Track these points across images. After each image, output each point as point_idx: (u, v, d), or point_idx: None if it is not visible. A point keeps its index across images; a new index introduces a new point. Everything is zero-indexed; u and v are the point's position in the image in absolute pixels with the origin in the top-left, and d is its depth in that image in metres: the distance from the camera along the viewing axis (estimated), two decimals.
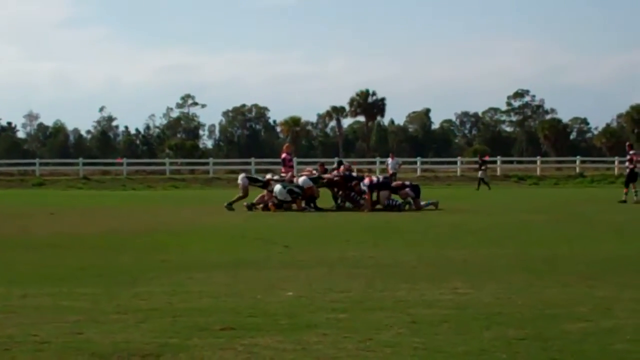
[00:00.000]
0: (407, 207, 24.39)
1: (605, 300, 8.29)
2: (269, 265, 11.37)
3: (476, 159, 69.75)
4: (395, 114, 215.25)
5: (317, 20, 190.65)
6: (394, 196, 24.78)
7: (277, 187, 24.25)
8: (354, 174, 26.26)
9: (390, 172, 43.72)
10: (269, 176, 25.76)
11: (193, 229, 18.02)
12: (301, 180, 24.81)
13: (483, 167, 44.47)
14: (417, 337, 6.50)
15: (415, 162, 59.08)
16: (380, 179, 25.52)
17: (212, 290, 8.98)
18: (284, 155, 27.63)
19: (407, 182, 26.20)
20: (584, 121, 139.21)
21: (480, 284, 9.30)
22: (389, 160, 48.24)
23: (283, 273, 10.45)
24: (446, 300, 8.25)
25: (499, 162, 57.68)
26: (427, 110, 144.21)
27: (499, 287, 9.12)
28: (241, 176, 25.75)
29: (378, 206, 24.41)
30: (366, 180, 24.77)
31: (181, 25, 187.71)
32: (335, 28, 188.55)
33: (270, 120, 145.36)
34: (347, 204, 25.16)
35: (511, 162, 69.26)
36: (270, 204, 24.28)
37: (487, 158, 49.84)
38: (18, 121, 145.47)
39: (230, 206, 24.17)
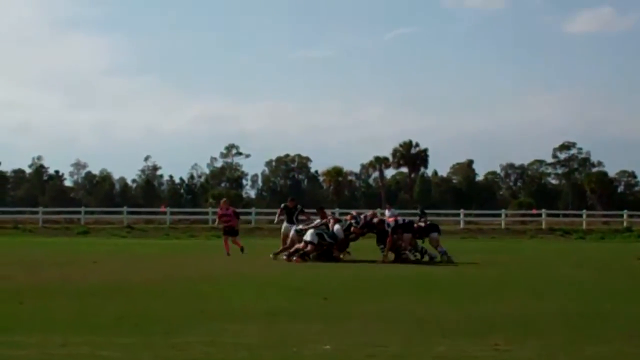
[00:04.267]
0: (438, 258, 23.94)
1: None
2: (306, 317, 11.30)
3: (522, 211, 69.45)
4: (439, 165, 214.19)
5: (352, 71, 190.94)
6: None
7: (310, 231, 24.18)
8: (375, 220, 25.48)
9: None
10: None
11: (233, 278, 18.01)
12: (336, 228, 24.60)
13: (423, 219, 42.12)
14: None
15: (459, 214, 58.62)
16: (406, 220, 24.95)
17: (249, 342, 8.94)
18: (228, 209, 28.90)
19: (427, 223, 25.86)
20: (632, 174, 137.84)
21: (521, 340, 9.15)
22: (386, 211, 44.33)
23: (320, 325, 10.37)
24: (487, 357, 8.12)
25: (544, 215, 57.06)
26: (471, 162, 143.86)
27: (540, 343, 8.96)
28: (293, 227, 25.52)
29: (403, 255, 24.01)
30: (390, 220, 24.23)
31: (218, 75, 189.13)
32: (371, 78, 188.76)
33: (313, 170, 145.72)
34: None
35: (557, 215, 68.37)
36: (295, 257, 23.94)
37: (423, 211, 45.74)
38: (66, 170, 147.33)
39: (276, 256, 24.27)
